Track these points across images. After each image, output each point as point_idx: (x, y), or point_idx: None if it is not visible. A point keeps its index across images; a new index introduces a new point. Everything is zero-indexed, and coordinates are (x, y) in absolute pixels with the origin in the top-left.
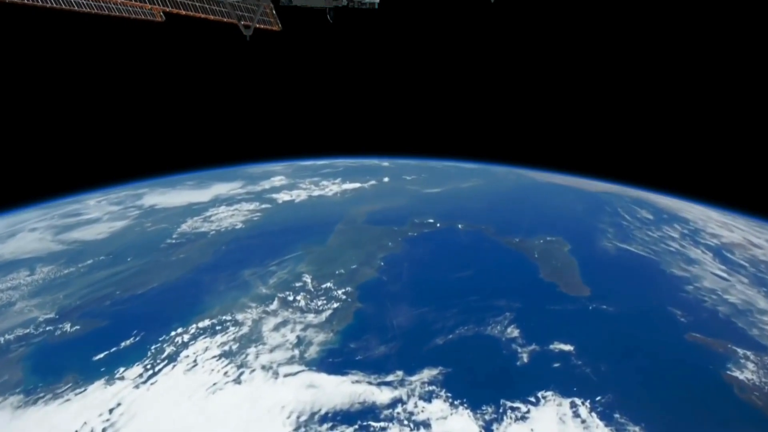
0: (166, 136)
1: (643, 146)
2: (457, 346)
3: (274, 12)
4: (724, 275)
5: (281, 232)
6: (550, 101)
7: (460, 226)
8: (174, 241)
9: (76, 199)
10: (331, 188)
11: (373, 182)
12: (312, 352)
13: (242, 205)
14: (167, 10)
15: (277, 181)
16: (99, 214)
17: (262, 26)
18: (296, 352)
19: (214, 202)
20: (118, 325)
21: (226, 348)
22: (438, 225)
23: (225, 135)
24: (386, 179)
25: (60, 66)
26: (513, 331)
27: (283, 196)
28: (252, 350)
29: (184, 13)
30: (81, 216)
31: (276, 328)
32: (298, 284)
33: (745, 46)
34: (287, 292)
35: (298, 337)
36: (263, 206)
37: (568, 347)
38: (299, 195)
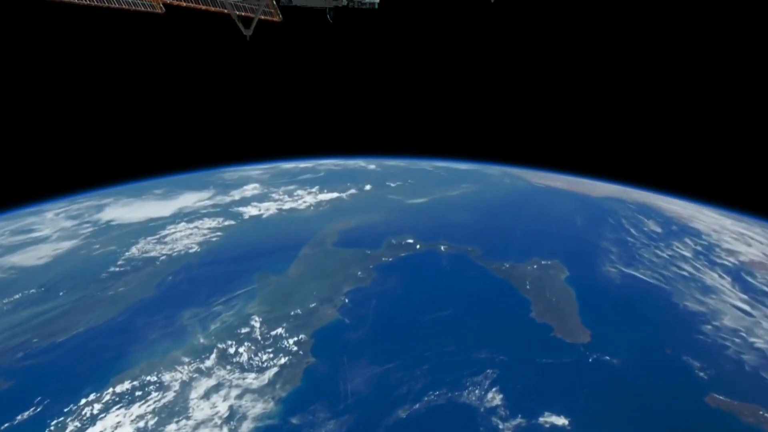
0: (148, 136)
1: (647, 144)
2: (424, 421)
3: (275, 2)
4: (747, 308)
5: (238, 258)
6: (549, 99)
7: (442, 247)
8: (118, 269)
9: (37, 209)
10: (306, 199)
11: (353, 191)
12: (244, 430)
13: (204, 221)
14: (168, 1)
15: (250, 190)
16: (50, 231)
17: (263, 17)
18: (224, 431)
19: (176, 217)
20: (22, 388)
21: (141, 424)
22: (418, 247)
23: (211, 135)
24: (368, 187)
25: (34, 60)
26: (494, 398)
27: (251, 210)
28: (172, 427)
29: (185, 4)
30: (31, 233)
31: (207, 394)
32: (243, 330)
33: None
34: (229, 342)
35: (230, 407)
36: (226, 223)
37: (562, 420)
38: (268, 209)
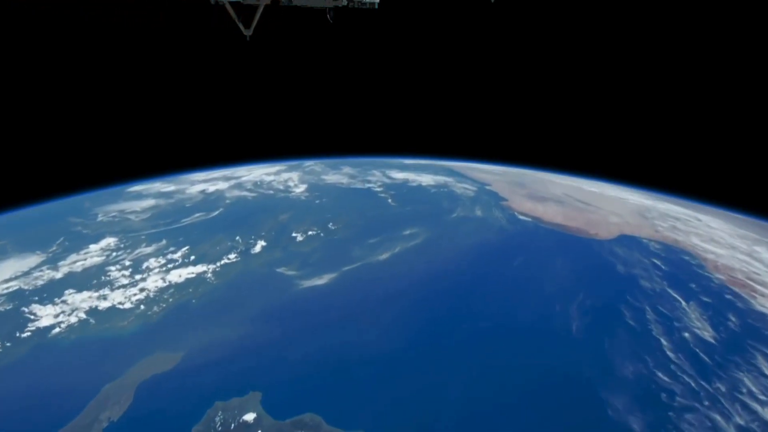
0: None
1: (655, 141)
2: None
3: None
4: None
5: None
6: (549, 97)
7: None
8: None
9: None
10: (147, 284)
11: (231, 257)
12: None
13: None
14: None
15: (93, 253)
16: None
17: None
18: None
19: None
20: None
21: None
22: None
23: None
24: (258, 247)
25: None
26: None
27: (46, 316)
28: None
29: None
30: None
31: None
32: None
33: None
34: None
35: None
36: None
37: None
38: (75, 311)
